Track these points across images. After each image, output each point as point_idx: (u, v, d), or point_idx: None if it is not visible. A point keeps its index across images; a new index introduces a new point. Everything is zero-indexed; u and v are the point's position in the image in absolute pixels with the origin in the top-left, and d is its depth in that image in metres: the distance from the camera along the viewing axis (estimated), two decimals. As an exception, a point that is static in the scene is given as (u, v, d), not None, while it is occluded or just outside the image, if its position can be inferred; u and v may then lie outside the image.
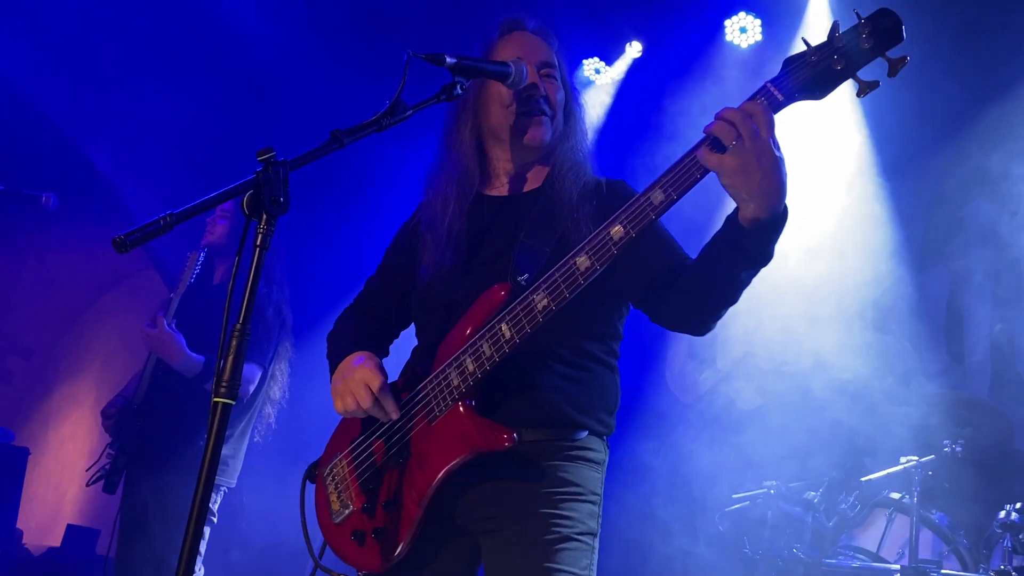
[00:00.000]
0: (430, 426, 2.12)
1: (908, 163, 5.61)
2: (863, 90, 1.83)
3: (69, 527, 7.69)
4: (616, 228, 1.94)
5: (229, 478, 4.23)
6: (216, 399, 1.73)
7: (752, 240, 1.89)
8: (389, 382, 2.21)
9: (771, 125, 1.82)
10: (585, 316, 2.18)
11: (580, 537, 2.09)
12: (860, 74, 1.82)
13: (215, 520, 4.16)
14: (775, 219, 1.87)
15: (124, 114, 6.44)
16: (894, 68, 1.80)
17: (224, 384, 1.74)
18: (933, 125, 5.41)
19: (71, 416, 9.25)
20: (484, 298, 2.10)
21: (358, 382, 2.14)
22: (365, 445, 2.25)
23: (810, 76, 1.83)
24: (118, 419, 4.08)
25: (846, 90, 1.88)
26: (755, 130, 1.79)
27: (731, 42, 6.13)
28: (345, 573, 2.17)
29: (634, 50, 6.49)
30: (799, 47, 1.89)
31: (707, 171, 1.87)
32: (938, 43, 5.24)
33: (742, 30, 6.09)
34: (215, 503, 4.17)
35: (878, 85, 1.82)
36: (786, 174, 1.85)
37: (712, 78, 6.08)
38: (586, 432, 2.16)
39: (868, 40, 1.78)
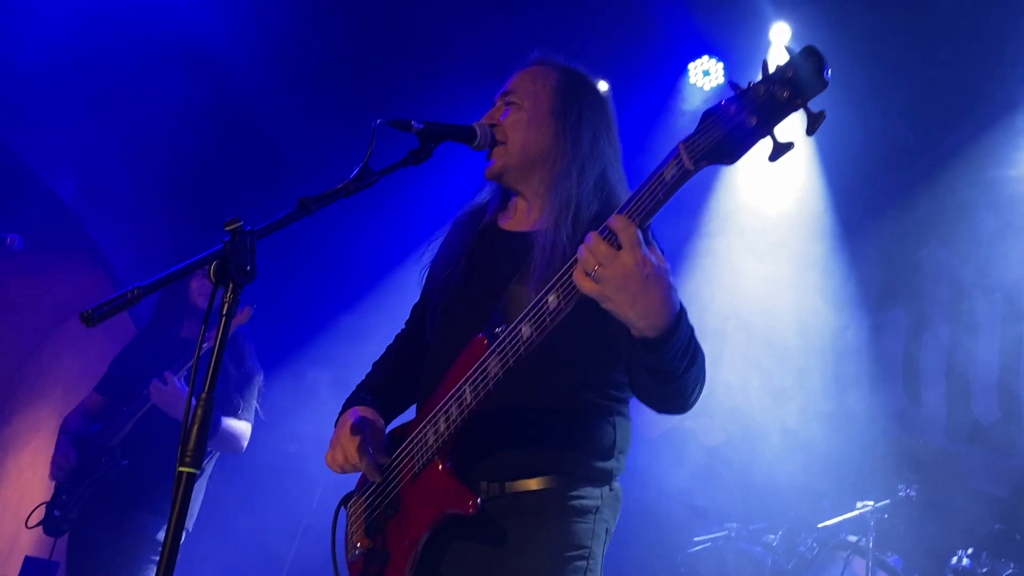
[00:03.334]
0: (414, 482, 2.13)
1: (865, 208, 5.74)
2: (776, 152, 1.56)
3: (27, 559, 7.54)
4: (552, 297, 1.84)
5: (190, 520, 4.21)
6: (181, 469, 1.72)
7: (646, 358, 1.81)
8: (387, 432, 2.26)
9: (634, 243, 1.67)
10: (572, 365, 2.13)
11: None
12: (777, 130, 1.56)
13: None
14: (663, 335, 1.75)
15: (88, 148, 6.40)
16: (813, 124, 1.54)
17: (189, 454, 1.72)
18: (889, 171, 5.54)
19: (30, 444, 9.08)
20: (467, 351, 2.08)
21: (341, 444, 2.19)
22: (373, 490, 2.27)
23: (721, 135, 1.59)
24: (76, 464, 4.06)
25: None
26: (611, 254, 1.67)
27: (694, 84, 6.25)
28: None
29: (601, 89, 6.57)
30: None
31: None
32: (895, 93, 5.38)
33: (705, 73, 6.22)
34: None
35: (792, 147, 1.56)
36: (668, 287, 1.72)
37: (676, 118, 6.20)
38: (573, 480, 2.09)
39: (785, 88, 1.51)
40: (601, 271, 1.69)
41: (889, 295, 5.78)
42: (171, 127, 6.41)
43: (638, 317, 1.73)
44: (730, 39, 6.03)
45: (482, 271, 2.30)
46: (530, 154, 2.30)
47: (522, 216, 2.35)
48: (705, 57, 6.21)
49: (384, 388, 2.43)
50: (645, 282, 1.69)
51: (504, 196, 2.43)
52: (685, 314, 1.81)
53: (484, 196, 2.49)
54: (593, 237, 1.71)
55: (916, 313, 5.69)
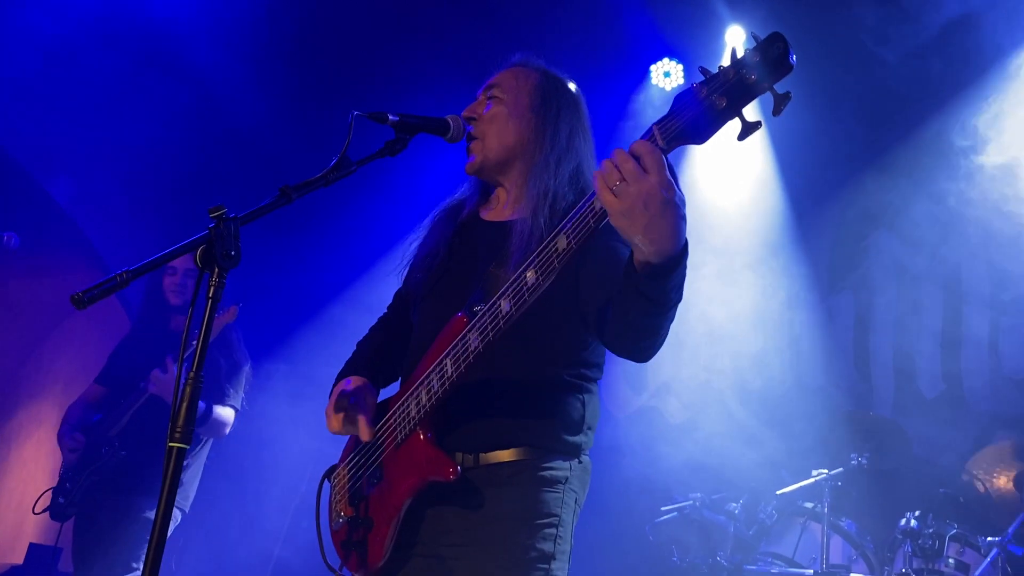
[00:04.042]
0: (396, 451, 2.13)
1: (816, 199, 5.79)
2: (745, 131, 1.57)
3: (31, 545, 7.46)
4: (530, 272, 1.84)
5: (186, 502, 4.21)
6: (171, 444, 1.72)
7: (646, 284, 1.72)
8: (379, 401, 2.24)
9: (660, 165, 1.59)
10: (544, 344, 2.12)
11: (533, 564, 2.02)
12: (746, 112, 1.56)
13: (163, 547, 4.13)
14: (668, 263, 1.68)
15: (83, 150, 6.32)
16: (779, 106, 1.54)
17: (179, 430, 1.72)
18: (837, 164, 5.59)
19: (33, 436, 8.99)
20: (448, 329, 2.08)
21: (332, 411, 2.19)
22: (357, 460, 2.27)
23: (693, 117, 1.59)
24: (84, 450, 4.06)
25: (758, 131, 1.66)
26: (638, 172, 1.59)
27: (656, 85, 6.27)
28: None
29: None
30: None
31: (604, 213, 1.68)
32: (844, 89, 5.43)
33: (666, 74, 6.25)
34: (170, 528, 4.14)
35: (760, 126, 1.58)
36: (681, 217, 1.64)
37: (640, 117, 6.23)
38: (543, 452, 2.08)
39: (753, 71, 1.52)
40: (624, 187, 1.60)
41: (839, 280, 5.84)
42: (161, 129, 6.34)
43: (650, 241, 1.64)
44: (689, 42, 6.06)
45: (462, 258, 2.29)
46: (509, 146, 2.29)
47: (501, 207, 2.35)
48: (666, 59, 6.23)
49: (369, 365, 2.41)
50: (664, 206, 1.60)
51: (484, 190, 2.42)
52: (687, 248, 1.73)
53: (463, 192, 2.48)
54: (619, 153, 1.61)
55: (865, 296, 5.75)
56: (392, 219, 5.54)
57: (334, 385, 2.31)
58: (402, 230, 2.58)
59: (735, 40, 5.70)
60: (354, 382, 2.25)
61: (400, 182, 5.67)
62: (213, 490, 4.47)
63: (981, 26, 4.96)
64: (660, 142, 1.63)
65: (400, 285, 2.53)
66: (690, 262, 1.76)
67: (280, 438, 5.73)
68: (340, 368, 2.46)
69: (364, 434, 2.18)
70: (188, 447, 1.74)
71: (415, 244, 2.45)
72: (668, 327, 1.89)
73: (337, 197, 5.90)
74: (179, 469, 1.72)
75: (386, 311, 2.59)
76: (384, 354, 2.45)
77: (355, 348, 2.53)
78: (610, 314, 1.94)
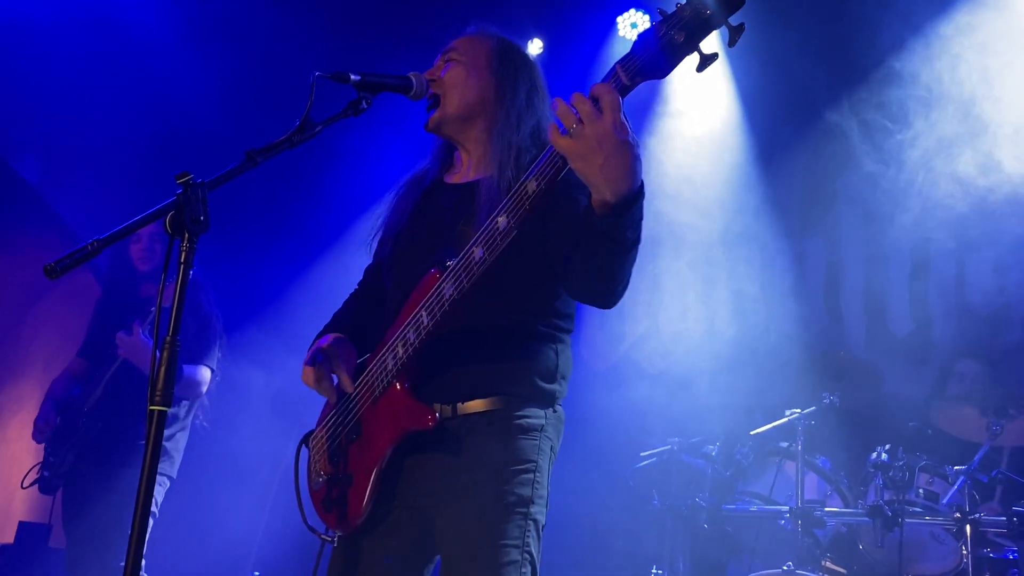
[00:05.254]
0: (374, 406, 2.17)
1: (785, 144, 5.82)
2: (703, 63, 1.64)
3: (21, 524, 7.49)
4: (502, 218, 1.90)
5: (172, 469, 4.23)
6: (152, 407, 1.75)
7: (605, 223, 1.78)
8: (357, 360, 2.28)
9: (615, 107, 1.66)
10: (517, 294, 2.17)
11: (512, 508, 2.07)
12: (703, 46, 1.64)
13: (157, 514, 4.18)
14: (623, 202, 1.74)
15: (48, 126, 6.26)
16: (733, 37, 1.62)
17: (159, 393, 1.76)
18: (803, 109, 5.62)
19: (16, 417, 8.97)
20: (421, 285, 2.12)
21: (309, 363, 2.25)
22: (335, 419, 2.31)
23: (653, 53, 1.65)
24: (59, 427, 4.08)
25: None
26: (594, 114, 1.66)
27: (624, 37, 6.26)
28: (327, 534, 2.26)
29: (536, 47, 6.55)
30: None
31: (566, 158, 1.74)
32: (807, 32, 5.45)
33: (633, 25, 6.23)
34: (159, 495, 4.18)
35: (716, 58, 1.65)
36: (636, 157, 1.71)
37: (607, 70, 6.21)
38: (519, 401, 2.14)
39: (708, 7, 1.60)
40: (579, 128, 1.67)
41: (811, 225, 5.91)
42: (126, 101, 6.28)
43: (605, 180, 1.71)
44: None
45: (430, 221, 2.32)
46: (469, 103, 2.32)
47: (465, 169, 2.38)
48: (632, 10, 6.22)
49: (346, 328, 2.44)
50: (619, 147, 1.68)
51: (445, 157, 2.46)
52: (643, 188, 1.79)
53: (424, 163, 2.50)
54: (577, 95, 1.69)
55: (835, 239, 5.83)
56: (348, 200, 5.55)
57: (312, 344, 2.35)
58: (360, 208, 2.60)
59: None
60: (333, 337, 2.30)
61: (362, 158, 5.66)
62: (184, 489, 4.48)
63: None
64: (624, 79, 1.69)
65: (370, 260, 2.57)
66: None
67: (241, 428, 5.74)
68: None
69: (345, 385, 2.23)
70: (168, 409, 1.78)
71: (381, 218, 2.48)
72: (629, 271, 1.94)
73: (288, 180, 5.90)
74: (161, 432, 1.75)
75: (357, 287, 2.62)
76: (360, 323, 2.48)
77: (332, 317, 2.56)
78: (574, 260, 1.98)
